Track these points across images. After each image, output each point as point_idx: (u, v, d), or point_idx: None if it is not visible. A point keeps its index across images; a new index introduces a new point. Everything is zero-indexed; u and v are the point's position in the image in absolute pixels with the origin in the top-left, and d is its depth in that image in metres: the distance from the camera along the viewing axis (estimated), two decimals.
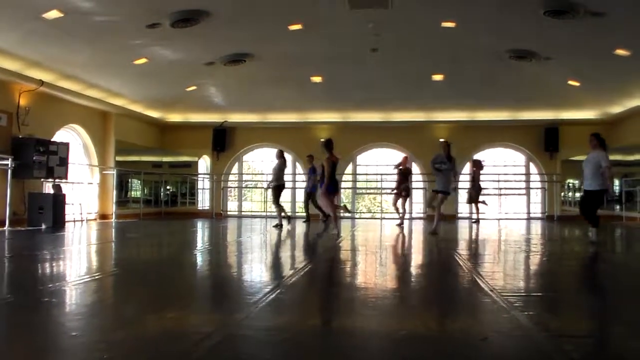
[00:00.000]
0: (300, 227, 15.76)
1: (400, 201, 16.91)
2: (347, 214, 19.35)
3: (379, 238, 12.99)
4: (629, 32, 12.97)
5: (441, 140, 13.45)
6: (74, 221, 16.37)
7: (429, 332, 4.18)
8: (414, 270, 8.09)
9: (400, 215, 16.91)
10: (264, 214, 21.83)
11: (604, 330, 4.39)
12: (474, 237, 13.29)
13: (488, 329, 4.21)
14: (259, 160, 25.58)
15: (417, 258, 9.77)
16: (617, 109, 19.63)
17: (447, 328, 4.42)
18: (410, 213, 22.29)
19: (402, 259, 9.40)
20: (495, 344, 3.83)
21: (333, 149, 12.52)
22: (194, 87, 19.11)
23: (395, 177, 17.23)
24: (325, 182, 12.37)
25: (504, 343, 3.88)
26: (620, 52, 14.10)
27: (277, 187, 15.74)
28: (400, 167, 16.99)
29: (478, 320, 4.58)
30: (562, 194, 22.42)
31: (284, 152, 16.81)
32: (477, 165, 17.77)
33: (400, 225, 16.48)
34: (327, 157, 12.33)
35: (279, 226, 15.25)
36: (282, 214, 15.97)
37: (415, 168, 22.92)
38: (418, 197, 22.85)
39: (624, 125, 19.78)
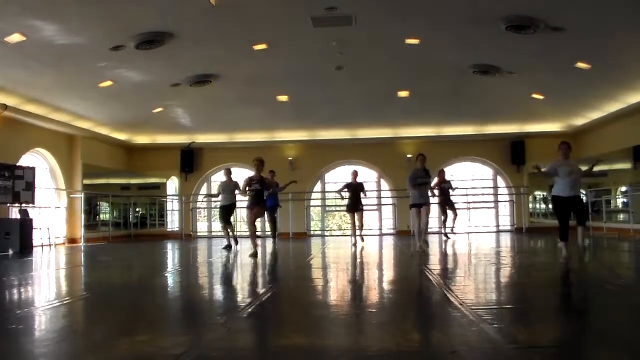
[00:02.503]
0: (269, 246, 15.75)
1: (356, 217, 16.28)
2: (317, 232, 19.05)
3: (349, 255, 12.99)
4: (588, 47, 13.23)
5: (419, 154, 13.30)
6: (42, 246, 16.17)
7: (398, 348, 4.20)
8: (385, 286, 8.11)
9: (355, 233, 16.32)
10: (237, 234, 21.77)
11: (571, 341, 4.44)
12: (444, 251, 13.36)
13: (457, 343, 4.24)
14: None
15: (387, 274, 9.79)
16: (580, 121, 19.92)
17: (416, 343, 4.45)
18: (381, 229, 22.37)
19: (372, 275, 9.41)
20: (464, 358, 3.86)
21: (259, 168, 12.37)
22: (160, 109, 19.07)
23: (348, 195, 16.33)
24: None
25: (472, 356, 3.91)
26: (581, 65, 14.34)
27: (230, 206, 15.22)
28: (351, 183, 16.23)
29: (447, 335, 4.61)
30: (530, 206, 22.66)
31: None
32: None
33: (355, 244, 15.75)
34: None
35: (229, 248, 14.61)
36: (231, 234, 15.22)
37: (384, 185, 23.06)
38: (388, 213, 22.94)
39: (587, 137, 20.08)
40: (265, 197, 12.69)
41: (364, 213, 16.54)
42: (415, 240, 12.85)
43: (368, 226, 17.32)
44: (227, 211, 15.19)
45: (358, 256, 12.67)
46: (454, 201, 17.75)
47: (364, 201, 16.45)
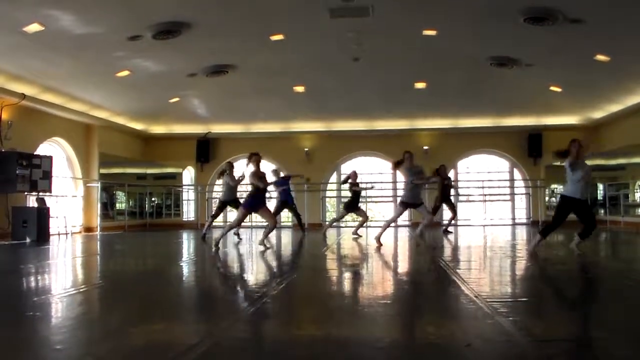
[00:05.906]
0: (286, 237, 15.76)
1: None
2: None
3: (363, 246, 12.97)
4: (608, 38, 13.09)
5: (406, 151, 13.23)
6: (59, 234, 16.24)
7: (413, 339, 4.19)
8: (399, 277, 8.09)
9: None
10: (249, 224, 21.78)
11: (586, 334, 4.42)
12: (458, 243, 13.32)
13: (472, 335, 4.22)
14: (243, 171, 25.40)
15: (402, 265, 9.78)
16: (598, 114, 19.76)
17: (431, 335, 4.43)
18: (396, 220, 22.27)
19: (386, 267, 9.40)
20: (480, 350, 3.84)
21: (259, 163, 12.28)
22: (176, 99, 19.10)
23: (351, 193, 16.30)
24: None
25: (487, 349, 3.89)
26: (600, 57, 14.21)
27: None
28: (350, 182, 16.02)
29: (462, 327, 4.59)
30: (547, 199, 22.55)
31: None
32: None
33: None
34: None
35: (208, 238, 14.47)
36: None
37: (399, 176, 22.99)
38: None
39: (605, 130, 19.93)
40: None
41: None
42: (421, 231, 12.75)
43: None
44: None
45: (372, 247, 12.65)
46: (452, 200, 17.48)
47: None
